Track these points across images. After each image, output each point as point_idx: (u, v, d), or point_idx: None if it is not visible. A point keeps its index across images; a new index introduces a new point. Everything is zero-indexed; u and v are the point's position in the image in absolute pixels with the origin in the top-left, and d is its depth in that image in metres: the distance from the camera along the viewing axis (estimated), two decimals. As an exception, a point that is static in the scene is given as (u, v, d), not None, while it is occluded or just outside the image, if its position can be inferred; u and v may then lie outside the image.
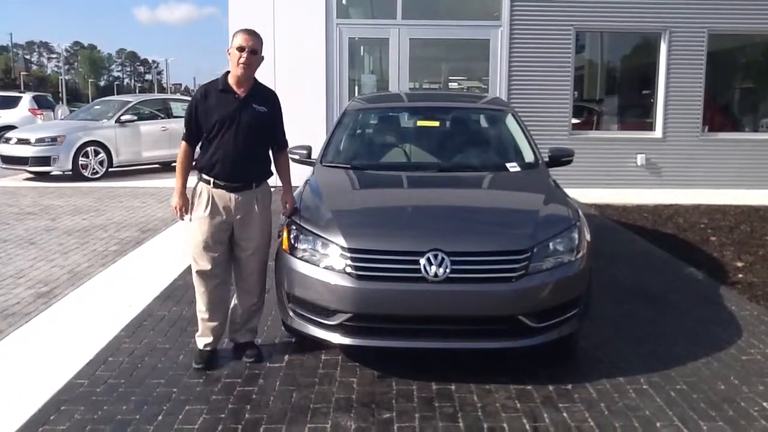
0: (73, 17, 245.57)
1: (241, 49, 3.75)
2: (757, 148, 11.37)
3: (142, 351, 4.12)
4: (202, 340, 3.97)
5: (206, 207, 3.82)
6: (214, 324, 3.95)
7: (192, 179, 3.92)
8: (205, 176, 3.84)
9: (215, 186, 3.82)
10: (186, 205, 3.92)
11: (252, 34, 3.82)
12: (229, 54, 3.81)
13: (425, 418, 3.30)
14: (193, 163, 3.96)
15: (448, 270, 3.49)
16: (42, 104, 21.31)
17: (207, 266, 3.85)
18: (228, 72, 3.88)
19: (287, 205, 4.08)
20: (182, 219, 3.98)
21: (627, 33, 11.51)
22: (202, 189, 3.85)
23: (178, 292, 5.28)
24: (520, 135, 5.38)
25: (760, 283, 5.62)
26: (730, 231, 7.77)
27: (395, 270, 3.55)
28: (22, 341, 4.36)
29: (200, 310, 3.94)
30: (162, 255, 6.67)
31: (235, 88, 3.82)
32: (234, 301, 4.07)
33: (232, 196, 3.83)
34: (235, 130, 3.78)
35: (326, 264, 3.66)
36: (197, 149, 3.95)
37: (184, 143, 3.90)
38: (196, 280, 3.91)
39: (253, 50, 3.78)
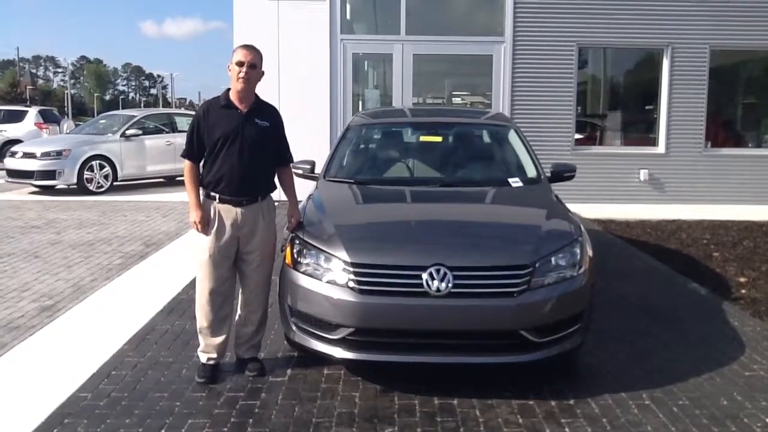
0: (80, 31, 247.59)
1: (240, 64, 3.78)
2: (759, 163, 11.38)
3: (145, 365, 4.13)
4: (205, 355, 3.97)
5: (213, 223, 3.84)
6: (219, 340, 3.95)
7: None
8: (210, 192, 3.87)
9: (221, 201, 3.84)
10: (205, 217, 3.84)
11: (251, 49, 3.85)
12: (230, 70, 3.85)
13: (427, 432, 3.30)
14: None
15: (450, 285, 3.51)
16: (48, 118, 21.38)
17: (214, 284, 3.86)
18: (229, 88, 3.91)
19: (292, 220, 4.10)
20: (205, 233, 3.83)
21: (629, 49, 11.56)
22: (208, 206, 3.87)
23: (182, 305, 5.29)
24: (522, 150, 5.40)
25: (763, 299, 5.61)
26: (733, 246, 7.77)
27: (398, 284, 3.56)
28: (26, 354, 4.37)
29: (203, 326, 3.94)
30: (166, 269, 6.69)
31: (237, 103, 3.86)
32: (238, 316, 4.08)
33: (238, 210, 3.85)
34: (239, 145, 3.80)
35: (329, 278, 3.68)
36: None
37: (187, 161, 3.89)
38: (201, 299, 3.91)
39: (252, 65, 3.81)
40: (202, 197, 3.90)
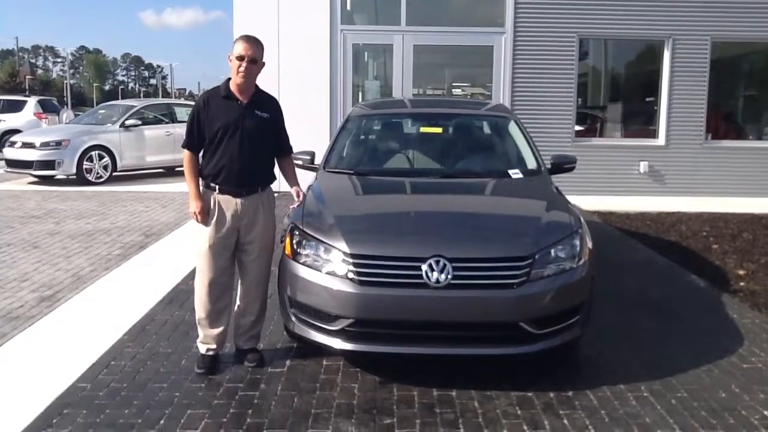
0: (79, 21, 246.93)
1: (240, 58, 3.76)
2: (759, 156, 11.37)
3: (144, 355, 4.13)
4: (205, 346, 3.98)
5: (213, 214, 3.84)
6: (218, 331, 3.96)
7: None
8: (210, 183, 3.86)
9: (221, 192, 3.84)
10: (205, 208, 3.83)
11: (252, 42, 3.82)
12: (230, 60, 3.83)
13: (426, 424, 3.30)
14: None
15: (449, 276, 3.50)
16: (47, 108, 21.32)
17: (213, 274, 3.86)
18: (230, 78, 3.89)
19: (298, 195, 4.11)
20: (205, 224, 3.84)
21: (630, 40, 11.53)
22: (208, 197, 3.86)
23: (181, 296, 5.29)
24: (522, 142, 5.39)
25: (762, 291, 5.61)
26: (732, 239, 7.77)
27: (397, 276, 3.56)
28: (26, 344, 4.38)
29: (202, 317, 3.94)
30: (165, 259, 6.69)
31: (237, 94, 3.84)
32: (237, 307, 4.08)
33: (238, 200, 3.84)
34: (239, 136, 3.79)
35: (328, 269, 3.67)
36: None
37: (187, 151, 3.88)
38: (201, 289, 3.90)
39: (253, 59, 3.79)
40: (201, 188, 3.90)
